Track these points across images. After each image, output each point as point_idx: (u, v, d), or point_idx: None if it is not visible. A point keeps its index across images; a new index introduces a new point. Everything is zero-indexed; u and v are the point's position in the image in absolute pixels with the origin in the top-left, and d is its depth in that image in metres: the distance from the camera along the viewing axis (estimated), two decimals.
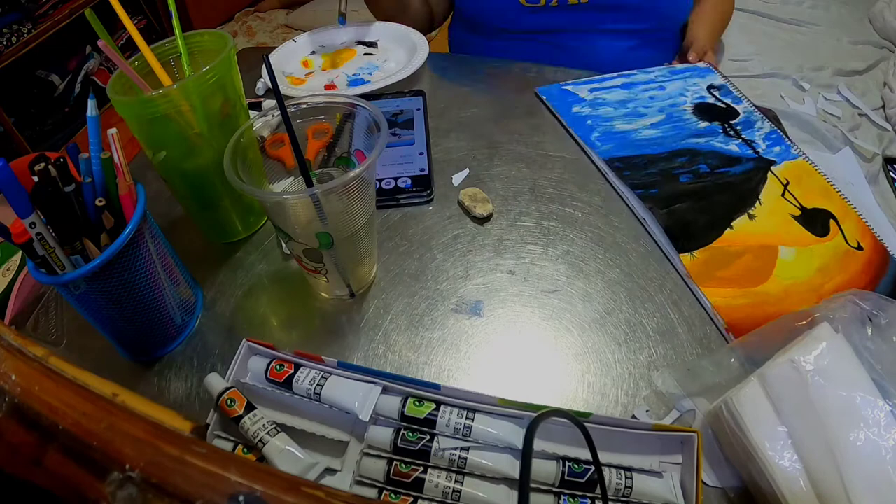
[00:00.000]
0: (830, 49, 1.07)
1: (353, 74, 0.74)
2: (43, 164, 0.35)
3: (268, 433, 0.34)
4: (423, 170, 0.57)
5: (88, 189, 0.37)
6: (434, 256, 0.50)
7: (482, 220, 0.53)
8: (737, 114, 0.64)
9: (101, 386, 0.21)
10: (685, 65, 0.72)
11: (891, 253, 0.50)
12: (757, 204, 0.53)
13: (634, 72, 0.70)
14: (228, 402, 0.35)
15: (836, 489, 0.31)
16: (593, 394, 0.40)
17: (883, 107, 0.98)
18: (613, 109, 0.65)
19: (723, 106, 0.65)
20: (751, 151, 0.59)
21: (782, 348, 0.37)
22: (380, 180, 0.55)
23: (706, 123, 0.62)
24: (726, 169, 0.56)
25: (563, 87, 0.68)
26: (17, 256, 0.54)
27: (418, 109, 0.65)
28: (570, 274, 0.48)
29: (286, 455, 0.34)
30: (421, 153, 0.59)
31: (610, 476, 0.33)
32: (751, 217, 0.52)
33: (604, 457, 0.34)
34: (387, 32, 0.81)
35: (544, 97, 0.68)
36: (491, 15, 0.78)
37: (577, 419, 0.30)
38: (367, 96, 0.67)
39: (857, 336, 0.36)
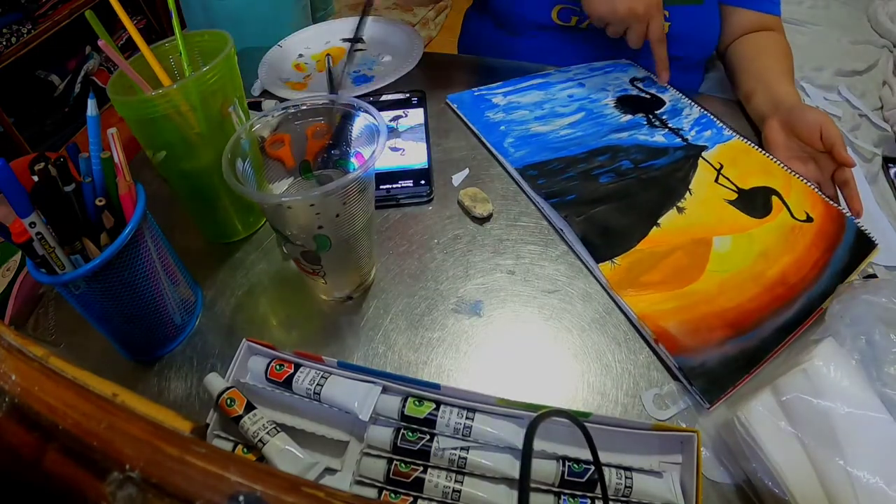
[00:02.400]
0: (830, 49, 1.07)
1: (355, 72, 0.74)
2: (43, 164, 0.35)
3: (267, 433, 0.34)
4: (423, 169, 0.57)
5: (88, 189, 0.37)
6: (434, 256, 0.50)
7: (482, 220, 0.53)
8: (662, 103, 0.60)
9: (101, 386, 0.21)
10: (606, 62, 0.66)
11: (846, 215, 0.47)
12: (687, 195, 0.50)
13: (552, 71, 0.66)
14: (228, 401, 0.35)
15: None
16: (593, 394, 0.40)
17: (882, 107, 0.98)
18: (528, 112, 0.61)
19: (647, 97, 0.61)
20: (678, 140, 0.55)
21: (794, 362, 0.37)
22: (380, 180, 0.55)
23: (629, 117, 0.58)
24: (651, 162, 0.53)
25: (477, 94, 0.65)
26: (17, 256, 0.54)
27: (418, 109, 0.65)
28: (569, 274, 0.48)
29: (286, 455, 0.34)
30: (421, 153, 0.59)
31: (610, 476, 0.33)
32: (680, 210, 0.49)
33: (604, 457, 0.34)
34: (371, 27, 0.80)
35: (454, 105, 0.64)
36: (523, 20, 0.74)
37: (577, 419, 0.30)
38: (366, 96, 0.67)
39: (880, 339, 0.36)
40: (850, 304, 0.38)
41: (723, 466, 0.37)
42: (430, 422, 0.35)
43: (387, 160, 0.58)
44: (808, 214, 0.48)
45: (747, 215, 0.48)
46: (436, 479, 0.34)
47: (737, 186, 0.50)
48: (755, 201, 0.49)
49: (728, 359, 0.39)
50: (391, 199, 0.55)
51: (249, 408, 0.35)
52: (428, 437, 0.35)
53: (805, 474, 0.32)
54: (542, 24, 0.71)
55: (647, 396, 0.40)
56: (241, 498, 0.16)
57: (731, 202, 0.49)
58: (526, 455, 0.26)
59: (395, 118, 0.64)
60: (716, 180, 0.51)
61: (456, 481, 0.34)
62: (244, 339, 0.39)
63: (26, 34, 1.61)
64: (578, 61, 0.70)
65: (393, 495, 0.34)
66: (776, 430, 0.34)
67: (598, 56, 0.71)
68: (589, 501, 0.33)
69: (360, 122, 0.41)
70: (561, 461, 0.34)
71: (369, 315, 0.46)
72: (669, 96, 0.61)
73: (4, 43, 1.56)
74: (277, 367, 0.37)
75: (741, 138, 0.56)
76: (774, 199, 0.49)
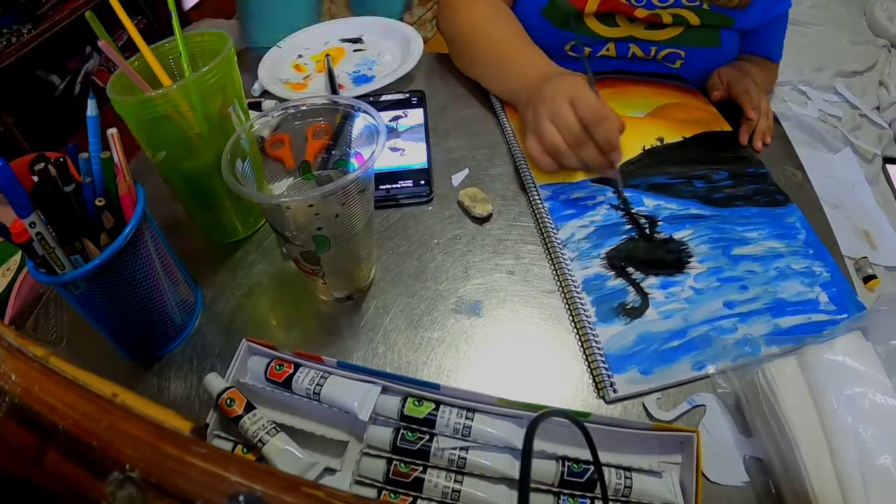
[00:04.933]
0: (830, 49, 1.06)
1: (354, 72, 0.74)
2: (43, 164, 0.35)
3: (267, 433, 0.34)
4: (423, 170, 0.57)
5: (88, 189, 0.37)
6: (434, 256, 0.50)
7: (482, 220, 0.53)
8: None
9: (101, 386, 0.21)
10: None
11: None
12: None
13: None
14: (228, 401, 0.35)
15: (854, 476, 0.32)
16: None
17: (877, 107, 0.98)
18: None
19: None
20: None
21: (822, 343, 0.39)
22: (379, 180, 0.55)
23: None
24: None
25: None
26: (17, 256, 0.54)
27: (418, 109, 0.65)
28: None
29: (286, 455, 0.34)
30: (421, 153, 0.59)
31: (609, 476, 0.34)
32: None
33: (603, 457, 0.34)
34: (369, 26, 0.81)
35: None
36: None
37: (577, 419, 0.30)
38: (366, 96, 0.67)
39: None
40: (891, 308, 0.39)
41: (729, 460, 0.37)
42: (429, 422, 0.35)
43: (387, 160, 0.58)
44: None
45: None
46: (435, 479, 0.34)
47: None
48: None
49: None
50: (391, 200, 0.55)
51: (249, 408, 0.35)
52: (427, 437, 0.35)
53: (815, 437, 0.34)
54: (553, 53, 0.68)
55: (649, 401, 0.40)
56: (241, 498, 0.17)
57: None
58: (526, 455, 0.26)
59: (395, 118, 0.64)
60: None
61: (455, 481, 0.34)
62: (244, 339, 0.39)
63: (26, 34, 1.61)
64: None
65: (392, 495, 0.34)
66: (795, 390, 0.36)
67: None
68: (588, 501, 0.33)
69: (360, 123, 0.41)
70: (561, 461, 0.34)
71: (369, 315, 0.46)
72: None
73: (4, 43, 1.56)
74: (277, 367, 0.37)
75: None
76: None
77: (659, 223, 0.51)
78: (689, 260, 0.48)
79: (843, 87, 0.98)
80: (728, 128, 0.62)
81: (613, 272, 0.47)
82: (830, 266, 0.48)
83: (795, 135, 0.85)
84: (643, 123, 0.62)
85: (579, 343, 0.43)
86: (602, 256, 0.48)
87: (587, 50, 0.69)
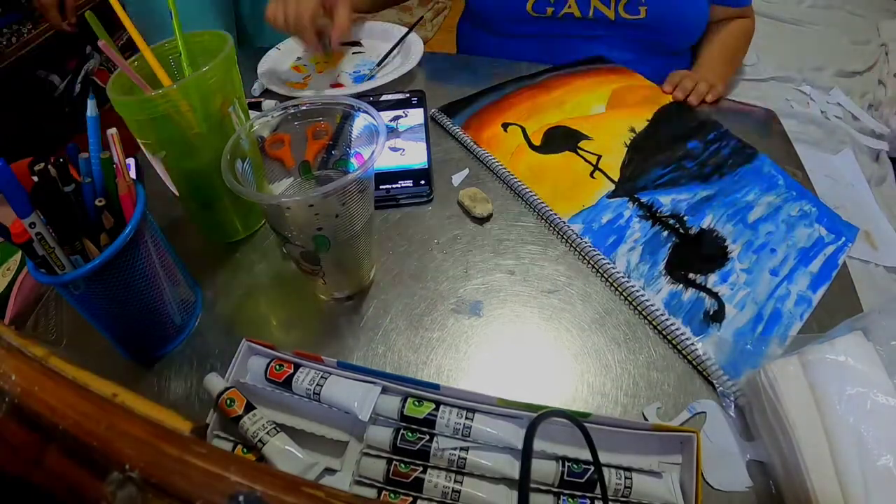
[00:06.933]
0: (830, 49, 1.06)
1: (354, 72, 0.74)
2: (43, 165, 0.35)
3: (267, 433, 0.34)
4: (423, 169, 0.57)
5: (88, 189, 0.37)
6: (434, 256, 0.50)
7: (482, 220, 0.53)
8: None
9: (101, 386, 0.21)
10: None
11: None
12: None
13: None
14: (228, 401, 0.35)
15: (855, 476, 0.32)
16: (593, 394, 0.40)
17: (871, 105, 0.98)
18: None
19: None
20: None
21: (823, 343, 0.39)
22: (380, 180, 0.55)
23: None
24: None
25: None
26: (17, 256, 0.54)
27: (418, 109, 0.65)
28: (569, 274, 0.48)
29: (286, 455, 0.34)
30: (421, 153, 0.59)
31: (609, 476, 0.34)
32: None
33: (603, 457, 0.34)
34: (368, 31, 0.81)
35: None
36: (499, 17, 0.78)
37: (577, 419, 0.30)
38: (366, 96, 0.67)
39: None
40: (892, 309, 0.39)
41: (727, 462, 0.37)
42: (429, 422, 0.35)
43: (387, 160, 0.58)
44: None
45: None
46: (435, 480, 0.34)
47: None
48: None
49: None
50: (391, 199, 0.55)
51: (249, 408, 0.35)
52: (427, 437, 0.35)
53: (817, 436, 0.34)
54: (517, 17, 0.74)
55: (649, 410, 0.39)
56: (241, 498, 0.17)
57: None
58: (526, 455, 0.26)
59: (395, 118, 0.64)
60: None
61: (455, 481, 0.34)
62: (244, 339, 0.39)
63: (26, 34, 1.61)
64: (565, 57, 0.74)
65: (392, 495, 0.34)
66: (797, 390, 0.36)
67: (580, 48, 0.75)
68: (588, 502, 0.33)
69: (360, 123, 0.41)
70: (560, 461, 0.34)
71: (369, 315, 0.46)
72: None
73: (5, 43, 1.56)
74: (277, 367, 0.37)
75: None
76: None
77: (685, 218, 0.52)
78: (725, 244, 0.50)
79: (845, 88, 0.98)
80: (668, 98, 0.66)
81: (681, 285, 0.47)
82: (812, 200, 0.53)
83: (797, 135, 0.85)
84: (610, 119, 0.63)
85: (687, 362, 0.42)
86: (663, 273, 0.48)
87: (549, 10, 0.73)
